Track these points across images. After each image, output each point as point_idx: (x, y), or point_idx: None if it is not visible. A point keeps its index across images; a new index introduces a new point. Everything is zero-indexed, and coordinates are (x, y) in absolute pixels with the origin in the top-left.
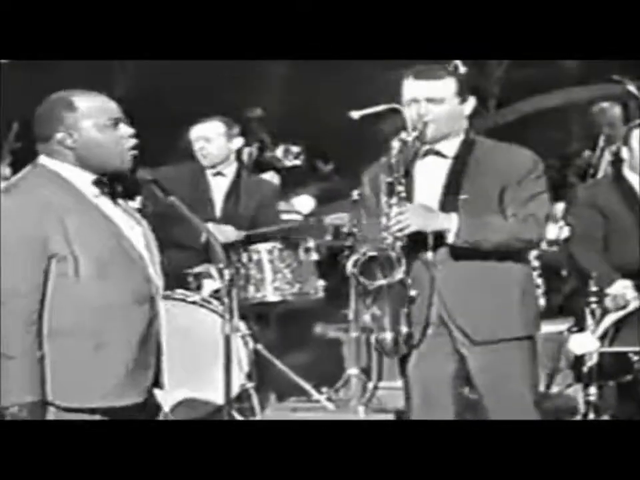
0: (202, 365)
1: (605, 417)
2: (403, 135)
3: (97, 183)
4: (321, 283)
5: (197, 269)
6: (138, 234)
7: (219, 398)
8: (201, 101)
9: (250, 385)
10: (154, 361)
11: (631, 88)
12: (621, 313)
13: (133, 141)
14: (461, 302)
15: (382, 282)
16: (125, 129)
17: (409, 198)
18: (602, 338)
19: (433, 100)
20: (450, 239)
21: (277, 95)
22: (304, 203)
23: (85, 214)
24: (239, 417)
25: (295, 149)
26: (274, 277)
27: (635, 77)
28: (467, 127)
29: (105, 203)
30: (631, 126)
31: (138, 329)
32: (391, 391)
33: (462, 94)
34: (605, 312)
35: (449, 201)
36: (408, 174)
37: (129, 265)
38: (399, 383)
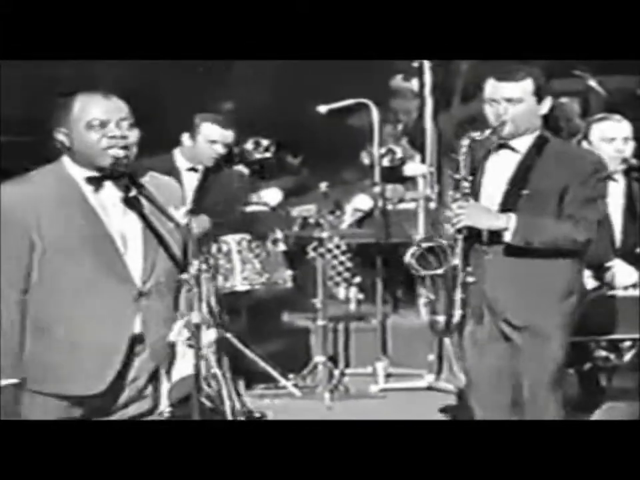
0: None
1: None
2: (474, 133)
3: (88, 179)
4: (289, 272)
5: None
6: (132, 231)
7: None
8: (169, 97)
9: (219, 372)
10: (122, 355)
11: (592, 83)
12: None
13: (113, 142)
14: (503, 291)
15: (437, 271)
16: (110, 130)
17: (477, 188)
18: None
19: (511, 100)
20: (507, 237)
21: (246, 90)
22: (272, 195)
23: (68, 208)
24: (207, 404)
25: (265, 141)
26: (243, 267)
27: (596, 71)
28: (541, 125)
29: (100, 199)
30: (591, 121)
31: (107, 322)
32: (357, 377)
33: (539, 94)
34: None
35: (511, 194)
36: (477, 170)
37: (101, 259)
38: (366, 370)
